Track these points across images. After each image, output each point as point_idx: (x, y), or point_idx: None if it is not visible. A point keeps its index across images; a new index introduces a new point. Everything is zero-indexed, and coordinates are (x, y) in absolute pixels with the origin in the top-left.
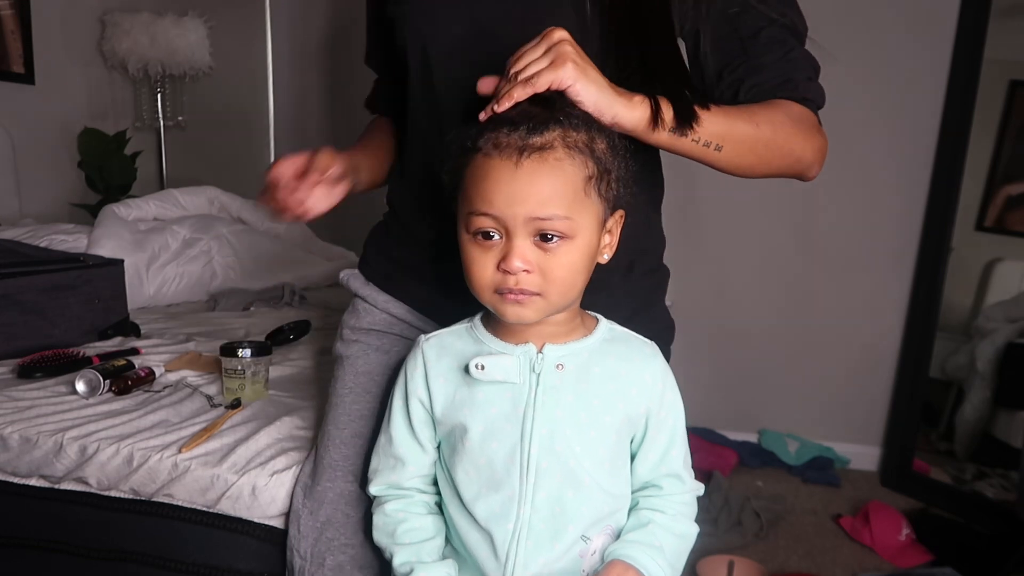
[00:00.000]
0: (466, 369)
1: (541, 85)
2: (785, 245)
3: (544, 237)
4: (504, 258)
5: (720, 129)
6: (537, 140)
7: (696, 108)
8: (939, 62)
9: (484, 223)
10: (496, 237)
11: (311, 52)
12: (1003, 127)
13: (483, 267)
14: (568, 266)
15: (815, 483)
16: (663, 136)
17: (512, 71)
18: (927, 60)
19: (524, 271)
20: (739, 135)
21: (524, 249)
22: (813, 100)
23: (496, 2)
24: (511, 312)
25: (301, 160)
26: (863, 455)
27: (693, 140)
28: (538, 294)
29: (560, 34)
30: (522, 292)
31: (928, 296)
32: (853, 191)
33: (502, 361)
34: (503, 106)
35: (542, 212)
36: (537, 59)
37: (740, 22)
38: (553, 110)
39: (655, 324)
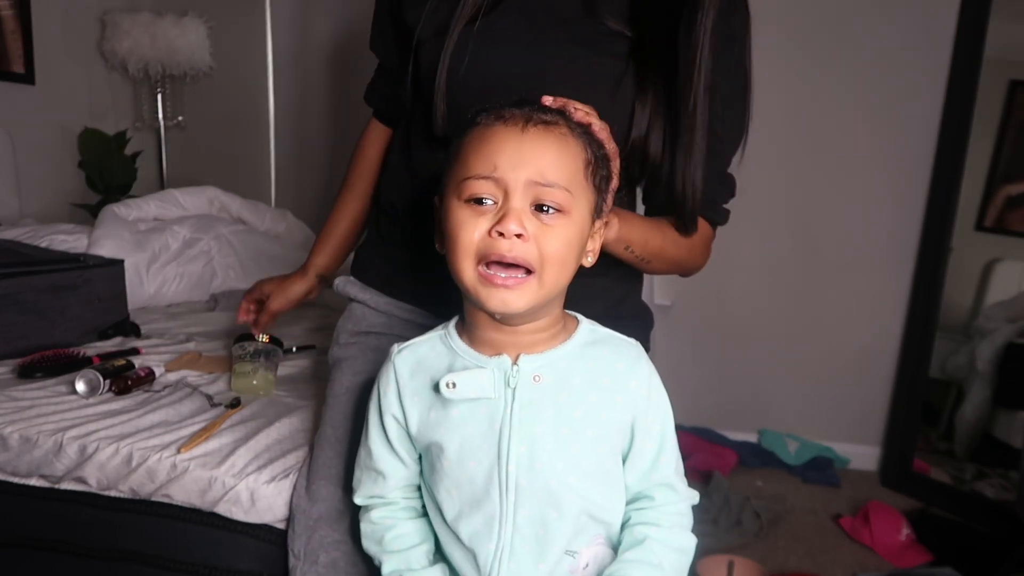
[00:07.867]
0: (437, 387)
1: (596, 124)
2: (785, 245)
3: (540, 208)
4: (499, 221)
5: (653, 247)
6: (543, 116)
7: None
8: (939, 62)
9: (481, 188)
10: (490, 203)
11: (311, 52)
12: (1003, 127)
13: (471, 231)
14: (565, 241)
15: (815, 483)
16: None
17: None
18: (927, 60)
19: (517, 235)
20: (666, 257)
21: (521, 213)
22: (721, 223)
23: (540, 66)
24: (496, 299)
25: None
26: (863, 455)
27: (631, 253)
28: (531, 272)
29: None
30: (514, 266)
31: (928, 296)
32: (853, 191)
33: (475, 377)
34: (550, 100)
35: (544, 178)
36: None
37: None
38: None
39: (637, 310)
